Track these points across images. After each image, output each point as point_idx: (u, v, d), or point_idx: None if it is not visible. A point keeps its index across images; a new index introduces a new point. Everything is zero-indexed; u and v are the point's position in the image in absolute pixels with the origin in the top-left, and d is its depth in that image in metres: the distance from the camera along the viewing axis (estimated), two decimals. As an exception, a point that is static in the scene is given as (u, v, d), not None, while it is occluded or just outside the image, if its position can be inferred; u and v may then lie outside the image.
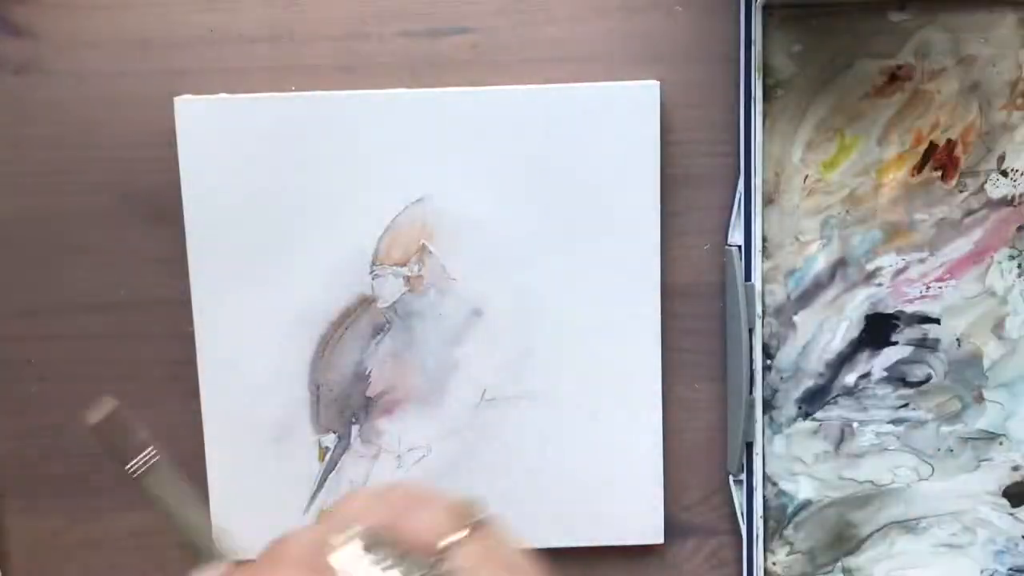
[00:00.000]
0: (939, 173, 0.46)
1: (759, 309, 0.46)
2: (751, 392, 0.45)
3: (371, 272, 0.45)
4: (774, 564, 0.48)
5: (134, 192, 0.45)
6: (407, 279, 0.45)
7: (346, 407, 0.46)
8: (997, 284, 0.47)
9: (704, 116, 0.45)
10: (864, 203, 0.46)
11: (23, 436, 0.46)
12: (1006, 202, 0.46)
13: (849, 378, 0.47)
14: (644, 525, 0.47)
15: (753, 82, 0.43)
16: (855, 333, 0.47)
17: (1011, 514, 0.48)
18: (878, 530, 0.48)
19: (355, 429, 0.46)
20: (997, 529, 0.48)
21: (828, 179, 0.46)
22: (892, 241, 0.46)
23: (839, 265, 0.46)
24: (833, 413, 0.47)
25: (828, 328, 0.47)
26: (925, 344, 0.47)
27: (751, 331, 0.45)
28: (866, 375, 0.47)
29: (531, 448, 0.46)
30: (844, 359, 0.47)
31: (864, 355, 0.47)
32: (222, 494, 0.46)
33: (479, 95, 0.44)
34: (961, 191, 0.46)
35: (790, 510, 0.48)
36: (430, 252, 0.45)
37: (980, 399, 0.47)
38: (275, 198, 0.44)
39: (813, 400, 0.47)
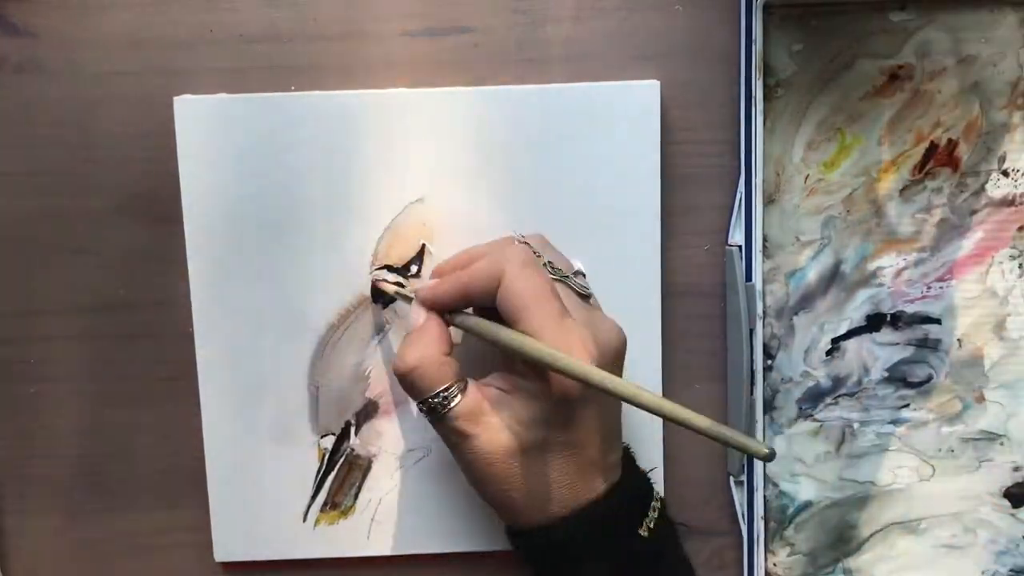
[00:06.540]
0: (939, 173, 0.46)
1: (760, 309, 0.46)
2: (751, 392, 0.45)
3: (371, 272, 0.45)
4: (775, 565, 0.48)
5: (134, 192, 0.45)
6: (407, 279, 0.45)
7: (345, 408, 0.46)
8: (998, 284, 0.46)
9: (704, 116, 0.45)
10: (865, 203, 0.46)
11: (23, 436, 0.46)
12: (1007, 202, 0.46)
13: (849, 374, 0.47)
14: (644, 526, 0.47)
15: (753, 82, 0.43)
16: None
17: (1012, 515, 0.48)
18: (879, 531, 0.48)
19: (354, 430, 0.46)
20: (998, 530, 0.48)
21: (828, 179, 0.46)
22: (892, 241, 0.46)
23: (839, 265, 0.46)
24: (834, 413, 0.47)
25: (829, 328, 0.47)
26: (926, 344, 0.47)
27: (752, 331, 0.45)
28: (866, 372, 0.47)
29: (531, 448, 0.46)
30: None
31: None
32: (222, 494, 0.46)
33: (479, 95, 0.44)
34: (961, 191, 0.46)
35: (791, 511, 0.48)
36: (430, 252, 0.45)
37: (981, 399, 0.47)
38: (275, 198, 0.44)
39: (814, 400, 0.47)
